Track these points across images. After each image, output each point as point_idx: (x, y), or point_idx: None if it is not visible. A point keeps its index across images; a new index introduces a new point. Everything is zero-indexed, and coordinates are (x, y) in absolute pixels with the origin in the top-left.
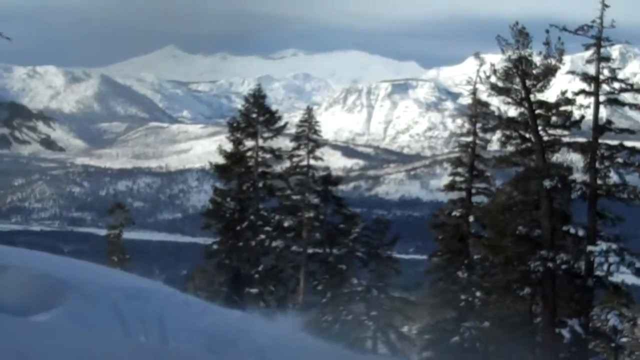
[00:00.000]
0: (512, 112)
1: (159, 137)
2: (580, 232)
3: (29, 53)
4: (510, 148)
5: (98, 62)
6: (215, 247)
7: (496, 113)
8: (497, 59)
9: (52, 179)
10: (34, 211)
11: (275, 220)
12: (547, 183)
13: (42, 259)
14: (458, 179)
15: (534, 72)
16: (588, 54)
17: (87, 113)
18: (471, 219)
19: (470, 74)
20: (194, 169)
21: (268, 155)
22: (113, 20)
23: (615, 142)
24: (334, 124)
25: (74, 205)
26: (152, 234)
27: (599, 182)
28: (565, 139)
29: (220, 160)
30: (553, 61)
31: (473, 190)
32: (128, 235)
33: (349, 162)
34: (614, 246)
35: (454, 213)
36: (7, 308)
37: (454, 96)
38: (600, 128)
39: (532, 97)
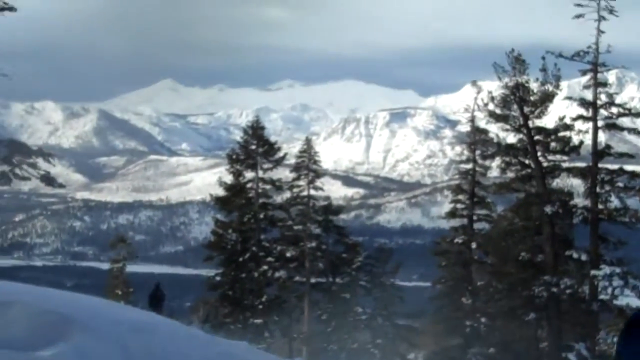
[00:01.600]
0: (511, 138)
1: (159, 170)
2: (583, 257)
3: (27, 89)
4: (510, 174)
5: (96, 96)
6: (218, 278)
7: (495, 140)
8: (494, 86)
9: (53, 214)
10: (36, 246)
11: (277, 251)
12: (548, 208)
13: (45, 295)
14: (459, 206)
15: (532, 98)
16: (585, 79)
17: (86, 148)
18: (474, 245)
19: (468, 101)
20: (194, 201)
21: (268, 186)
22: (110, 54)
23: (615, 167)
24: (333, 153)
25: (75, 240)
26: (155, 267)
27: (600, 206)
28: (565, 164)
29: (221, 192)
30: (550, 87)
31: (474, 217)
32: (131, 268)
33: (350, 191)
34: (617, 270)
35: (456, 240)
36: (11, 344)
37: (453, 124)
38: (600, 153)
39: (530, 123)
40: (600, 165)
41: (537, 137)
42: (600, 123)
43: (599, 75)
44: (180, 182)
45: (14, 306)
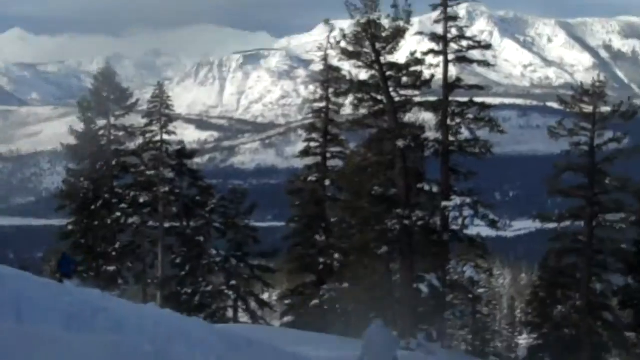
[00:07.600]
0: (364, 75)
1: (8, 121)
2: (435, 189)
3: None
4: (363, 111)
5: None
6: (70, 227)
7: (348, 77)
8: (347, 25)
9: None
10: None
11: (130, 197)
12: (400, 143)
13: None
14: (312, 144)
15: (383, 34)
16: (436, 14)
17: None
18: (327, 182)
19: (321, 40)
20: (45, 152)
21: (121, 133)
22: None
23: (465, 99)
24: (187, 98)
25: None
26: (6, 219)
27: (451, 138)
28: (417, 99)
29: (72, 140)
30: (402, 23)
31: (328, 155)
32: None
33: (204, 135)
34: (467, 200)
35: (310, 178)
36: None
37: (306, 64)
38: (450, 86)
39: (382, 59)
40: (451, 98)
41: (389, 73)
42: (450, 57)
43: (449, 9)
44: (31, 133)
45: None
